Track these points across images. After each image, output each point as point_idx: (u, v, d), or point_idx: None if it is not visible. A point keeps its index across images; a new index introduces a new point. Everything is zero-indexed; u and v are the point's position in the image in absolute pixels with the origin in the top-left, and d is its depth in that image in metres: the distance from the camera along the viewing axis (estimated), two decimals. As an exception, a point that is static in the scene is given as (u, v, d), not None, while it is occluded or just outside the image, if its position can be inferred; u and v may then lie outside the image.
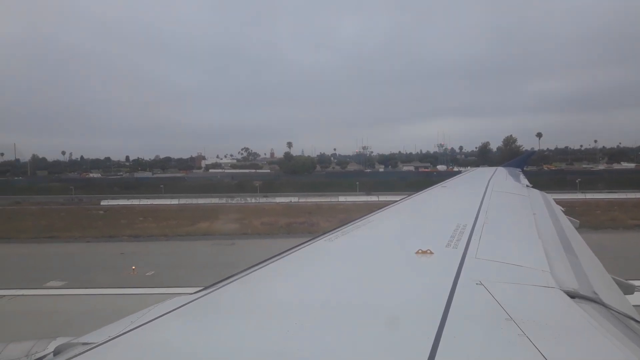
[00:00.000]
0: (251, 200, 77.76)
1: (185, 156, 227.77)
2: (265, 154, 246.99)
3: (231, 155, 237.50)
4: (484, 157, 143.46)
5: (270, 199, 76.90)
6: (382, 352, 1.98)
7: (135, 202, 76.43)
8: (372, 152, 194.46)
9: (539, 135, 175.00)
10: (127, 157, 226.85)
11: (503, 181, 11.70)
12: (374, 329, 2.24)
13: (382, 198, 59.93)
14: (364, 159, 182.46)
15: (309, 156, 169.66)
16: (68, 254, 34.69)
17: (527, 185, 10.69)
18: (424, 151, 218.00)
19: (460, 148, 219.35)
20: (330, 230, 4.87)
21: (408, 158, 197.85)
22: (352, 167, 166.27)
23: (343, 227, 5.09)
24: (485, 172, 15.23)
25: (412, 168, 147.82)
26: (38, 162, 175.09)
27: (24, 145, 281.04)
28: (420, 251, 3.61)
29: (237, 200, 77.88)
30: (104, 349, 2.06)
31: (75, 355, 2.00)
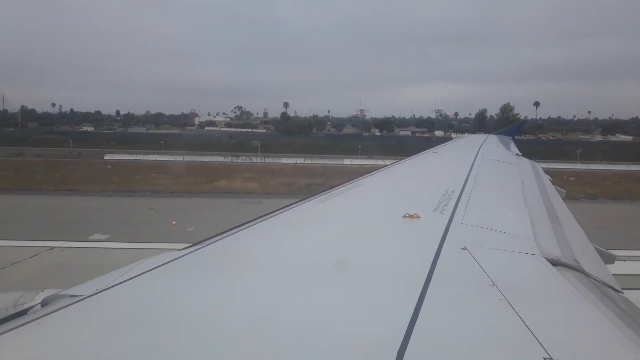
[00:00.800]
0: (256, 160, 77.41)
1: (177, 112, 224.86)
2: (257, 113, 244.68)
3: (224, 114, 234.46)
4: (480, 124, 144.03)
5: (275, 160, 76.54)
6: (366, 312, 2.00)
7: (139, 157, 75.59)
8: (365, 115, 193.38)
9: (537, 104, 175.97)
10: (118, 112, 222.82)
11: (493, 149, 11.72)
12: (358, 289, 2.26)
13: (388, 162, 59.91)
14: (360, 122, 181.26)
15: (305, 117, 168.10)
16: (97, 208, 34.45)
17: (517, 154, 10.69)
18: (417, 116, 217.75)
19: (456, 114, 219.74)
20: (320, 192, 4.83)
21: (403, 123, 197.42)
22: (347, 130, 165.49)
23: (333, 189, 5.06)
24: (476, 139, 15.30)
25: (408, 133, 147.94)
26: (27, 114, 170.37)
27: (12, 96, 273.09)
28: (407, 215, 3.63)
29: (243, 159, 77.48)
30: (91, 301, 2.07)
31: (63, 307, 1.99)
